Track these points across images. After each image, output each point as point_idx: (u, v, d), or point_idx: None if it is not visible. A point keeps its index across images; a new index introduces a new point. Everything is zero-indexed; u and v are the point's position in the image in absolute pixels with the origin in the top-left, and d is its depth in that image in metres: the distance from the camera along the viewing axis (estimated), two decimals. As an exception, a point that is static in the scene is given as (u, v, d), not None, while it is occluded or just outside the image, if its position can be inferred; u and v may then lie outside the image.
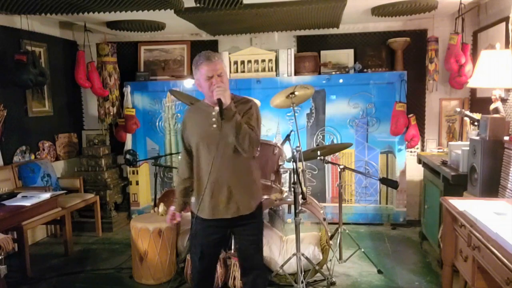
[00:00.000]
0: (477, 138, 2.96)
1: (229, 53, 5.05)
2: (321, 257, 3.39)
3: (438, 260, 3.62)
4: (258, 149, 3.28)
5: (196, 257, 2.45)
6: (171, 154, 5.20)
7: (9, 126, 4.26)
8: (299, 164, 3.01)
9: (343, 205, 3.84)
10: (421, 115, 4.94)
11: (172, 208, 2.51)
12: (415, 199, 4.96)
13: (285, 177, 3.69)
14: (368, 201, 4.96)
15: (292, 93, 3.48)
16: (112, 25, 4.72)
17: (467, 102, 4.78)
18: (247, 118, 2.28)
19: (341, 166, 3.64)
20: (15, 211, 3.39)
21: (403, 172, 4.78)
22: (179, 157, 2.54)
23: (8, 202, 3.51)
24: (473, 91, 4.64)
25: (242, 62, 5.00)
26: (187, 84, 5.08)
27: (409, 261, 3.90)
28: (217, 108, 2.24)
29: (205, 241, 2.38)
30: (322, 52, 5.08)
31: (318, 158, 3.60)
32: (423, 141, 5.00)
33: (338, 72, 4.92)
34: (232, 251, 3.28)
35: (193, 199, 2.44)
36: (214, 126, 2.28)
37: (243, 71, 5.00)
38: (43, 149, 4.85)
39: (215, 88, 2.19)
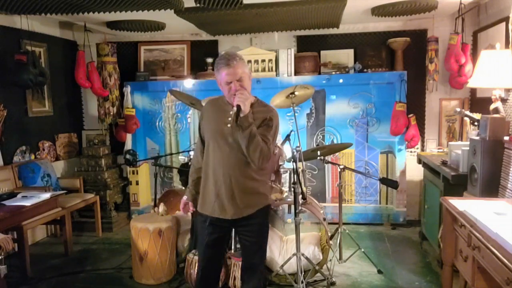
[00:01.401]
0: (477, 138, 2.96)
1: (229, 53, 5.04)
2: (321, 257, 3.39)
3: (438, 260, 3.62)
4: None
5: (200, 256, 2.46)
6: (171, 154, 5.20)
7: (9, 126, 4.26)
8: (299, 164, 3.01)
9: (343, 205, 3.84)
10: (421, 115, 4.95)
11: (185, 198, 2.49)
12: (415, 199, 4.96)
13: (285, 177, 3.69)
14: (368, 201, 4.96)
15: (292, 93, 3.48)
16: (112, 25, 4.72)
17: (467, 102, 4.78)
18: (264, 129, 2.24)
19: (341, 166, 3.64)
20: (15, 211, 3.39)
21: (403, 172, 4.78)
22: (194, 146, 2.54)
23: (8, 202, 3.51)
24: (473, 91, 4.64)
25: (242, 62, 4.99)
26: (187, 84, 5.09)
27: (409, 261, 3.90)
28: (235, 108, 2.20)
29: (207, 241, 2.36)
30: (322, 52, 5.08)
31: (318, 158, 3.60)
32: (423, 141, 5.00)
33: (338, 72, 4.92)
34: (232, 251, 3.28)
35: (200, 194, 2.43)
36: (229, 125, 2.21)
37: (243, 71, 4.99)
38: (43, 149, 4.85)
39: (236, 94, 2.16)
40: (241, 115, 2.14)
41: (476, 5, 4.37)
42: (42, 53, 4.81)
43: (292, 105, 3.55)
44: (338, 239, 3.69)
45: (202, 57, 5.23)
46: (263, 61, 4.97)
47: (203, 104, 2.53)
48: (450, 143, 3.72)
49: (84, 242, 4.64)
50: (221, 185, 2.26)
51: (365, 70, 4.89)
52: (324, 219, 3.50)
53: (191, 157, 2.55)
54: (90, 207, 4.76)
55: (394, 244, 4.31)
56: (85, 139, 5.56)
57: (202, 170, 2.38)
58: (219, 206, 2.28)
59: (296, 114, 4.02)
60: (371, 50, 4.97)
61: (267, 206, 2.41)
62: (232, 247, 3.29)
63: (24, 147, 4.53)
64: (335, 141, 4.90)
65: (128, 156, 4.67)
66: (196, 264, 3.09)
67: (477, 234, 2.04)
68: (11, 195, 3.73)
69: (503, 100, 3.42)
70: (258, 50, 5.02)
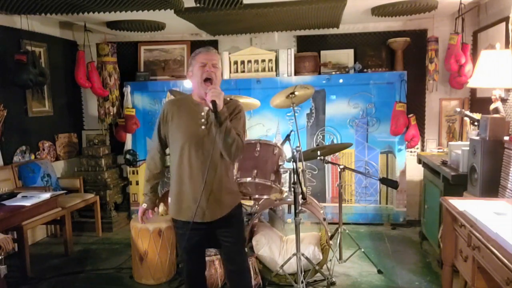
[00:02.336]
0: (477, 138, 2.96)
1: (229, 53, 5.04)
2: (321, 257, 3.39)
3: (438, 260, 3.62)
4: (258, 149, 3.30)
5: (184, 262, 2.47)
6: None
7: (9, 126, 4.26)
8: (299, 164, 3.01)
9: (343, 205, 3.84)
10: (421, 115, 4.94)
11: (144, 205, 2.45)
12: (415, 199, 4.96)
13: (285, 177, 3.69)
14: (368, 201, 4.96)
15: (292, 93, 3.48)
16: (112, 25, 4.72)
17: (467, 102, 4.78)
18: (234, 122, 2.24)
19: (341, 166, 3.64)
20: (15, 211, 3.39)
21: (403, 172, 4.78)
22: (148, 149, 2.50)
23: (8, 202, 3.51)
24: (473, 91, 4.64)
25: (242, 62, 4.99)
26: (187, 84, 5.08)
27: (409, 261, 3.90)
28: (206, 108, 2.22)
29: (187, 245, 2.34)
30: (322, 52, 5.08)
31: (318, 158, 3.60)
32: (423, 141, 5.00)
33: (338, 72, 4.92)
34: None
35: (169, 200, 2.40)
36: (203, 127, 2.22)
37: (243, 71, 5.00)
38: (43, 149, 4.85)
39: (209, 90, 2.14)
40: (218, 109, 2.12)
41: (476, 5, 4.37)
42: (42, 53, 4.81)
43: (292, 105, 3.55)
44: (338, 239, 3.69)
45: (202, 57, 5.22)
46: (263, 61, 4.97)
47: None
48: (450, 143, 3.72)
49: (84, 242, 4.64)
50: (200, 189, 2.21)
51: (365, 70, 4.89)
52: (324, 219, 3.50)
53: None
54: (90, 207, 4.76)
55: (394, 244, 4.31)
56: (85, 139, 5.56)
57: (173, 175, 2.33)
58: (198, 210, 2.23)
59: (296, 114, 4.02)
60: (371, 50, 4.97)
61: (240, 203, 2.45)
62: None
63: (24, 147, 4.52)
64: (335, 141, 4.90)
65: (128, 156, 4.66)
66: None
67: (477, 234, 2.04)
68: (11, 195, 3.72)
69: (503, 100, 3.41)
70: (258, 50, 5.02)
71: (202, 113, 2.25)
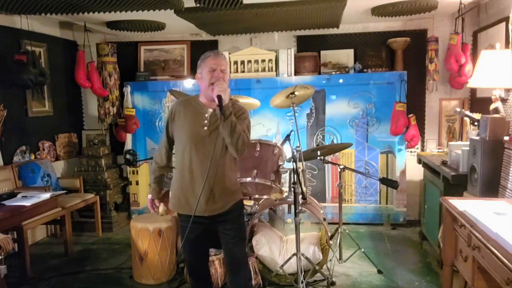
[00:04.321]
0: (477, 138, 2.96)
1: (229, 53, 5.04)
2: (321, 257, 3.39)
3: (438, 260, 3.62)
4: (258, 149, 3.32)
5: (185, 253, 2.57)
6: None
7: (9, 126, 4.26)
8: (299, 164, 3.01)
9: (343, 205, 3.84)
10: (421, 115, 4.95)
11: (149, 196, 2.60)
12: (415, 199, 4.96)
13: (285, 177, 3.69)
14: (368, 201, 4.96)
15: (292, 93, 3.48)
16: (112, 25, 4.72)
17: (467, 102, 4.78)
18: (239, 123, 2.33)
19: (341, 166, 3.64)
20: (15, 211, 3.39)
21: (403, 172, 4.78)
22: (158, 144, 2.62)
23: (8, 202, 3.51)
24: (473, 91, 4.64)
25: (242, 62, 4.99)
26: (187, 84, 5.09)
27: (409, 261, 3.90)
28: (210, 110, 2.33)
29: (189, 236, 2.43)
30: (322, 52, 5.08)
31: (318, 158, 3.60)
32: (423, 141, 5.00)
33: (338, 72, 4.92)
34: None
35: (170, 194, 2.51)
36: (205, 128, 2.33)
37: (243, 71, 5.00)
38: (43, 149, 4.85)
39: (217, 84, 2.23)
40: (223, 104, 2.20)
41: (476, 5, 4.37)
42: (42, 53, 4.81)
43: (292, 105, 3.55)
44: (338, 239, 3.70)
45: (202, 57, 5.23)
46: (263, 61, 4.97)
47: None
48: (450, 143, 3.72)
49: (84, 242, 4.64)
50: (200, 186, 2.31)
51: (365, 70, 4.89)
52: (324, 219, 3.50)
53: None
54: (90, 207, 4.76)
55: (394, 244, 4.31)
56: (85, 139, 5.56)
57: (176, 170, 2.46)
58: (198, 205, 2.33)
59: (296, 114, 4.02)
60: (371, 50, 4.97)
61: (241, 200, 2.55)
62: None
63: (24, 147, 4.52)
64: (335, 141, 4.90)
65: (128, 156, 4.66)
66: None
67: (477, 234, 2.04)
68: (11, 195, 3.73)
69: (503, 100, 3.41)
70: (258, 50, 5.02)
71: (206, 115, 2.35)
